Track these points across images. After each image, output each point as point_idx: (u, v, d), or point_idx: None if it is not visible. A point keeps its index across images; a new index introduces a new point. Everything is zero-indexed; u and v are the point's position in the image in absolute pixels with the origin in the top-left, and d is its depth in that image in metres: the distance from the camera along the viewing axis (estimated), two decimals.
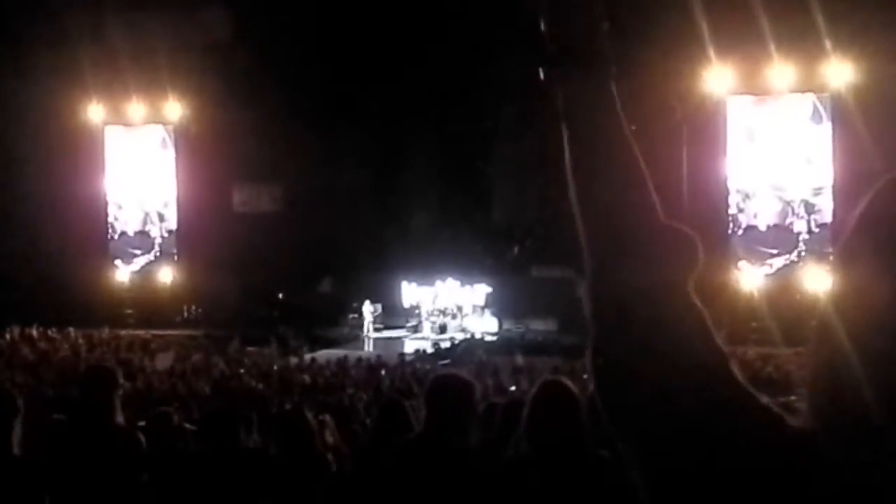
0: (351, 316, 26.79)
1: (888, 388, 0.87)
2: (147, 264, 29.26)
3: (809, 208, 23.95)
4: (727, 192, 24.44)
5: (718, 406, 0.96)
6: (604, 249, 1.09)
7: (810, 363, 0.96)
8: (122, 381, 5.16)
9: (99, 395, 4.95)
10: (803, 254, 23.46)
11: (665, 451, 0.97)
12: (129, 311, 27.38)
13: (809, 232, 23.73)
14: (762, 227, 24.29)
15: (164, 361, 18.85)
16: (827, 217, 23.62)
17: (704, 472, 0.95)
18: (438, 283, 26.78)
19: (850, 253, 0.95)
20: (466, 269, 26.56)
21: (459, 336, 25.26)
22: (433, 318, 26.51)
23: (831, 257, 0.98)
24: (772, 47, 22.36)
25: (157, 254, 29.33)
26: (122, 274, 29.18)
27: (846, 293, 0.94)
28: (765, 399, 0.98)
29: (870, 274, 0.92)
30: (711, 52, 22.60)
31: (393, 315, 27.27)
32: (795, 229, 24.01)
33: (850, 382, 0.90)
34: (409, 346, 24.52)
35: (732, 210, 24.51)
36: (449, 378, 4.68)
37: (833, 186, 23.48)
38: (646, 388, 0.99)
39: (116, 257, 29.38)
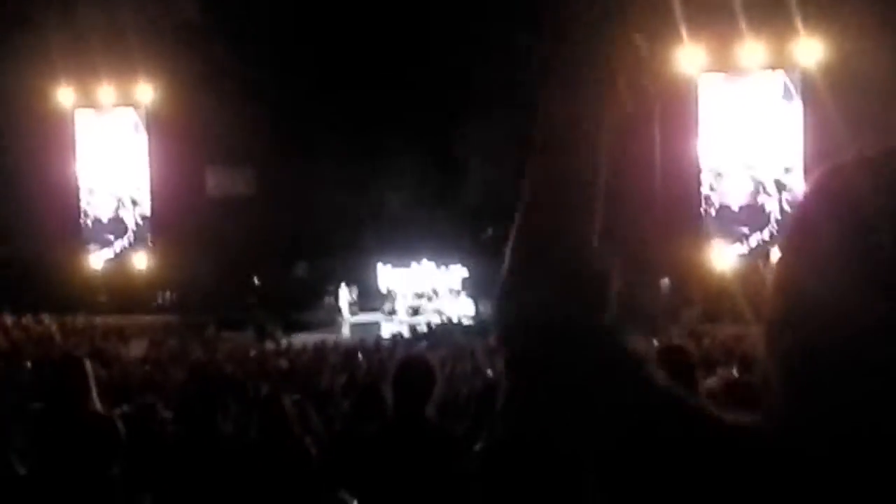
0: (327, 300, 26.77)
1: (803, 385, 0.90)
2: (121, 250, 29.06)
3: (780, 187, 24.14)
4: (699, 172, 24.59)
5: (643, 416, 0.97)
6: (522, 269, 1.10)
7: (762, 335, 0.98)
8: (91, 369, 5.17)
9: (72, 383, 4.96)
10: (775, 233, 23.67)
11: (594, 459, 0.99)
12: (104, 298, 27.21)
13: (781, 211, 23.93)
14: (734, 207, 24.48)
15: (138, 348, 18.78)
16: (797, 196, 23.80)
17: (635, 481, 0.96)
18: (414, 265, 26.81)
19: (789, 234, 0.97)
20: (442, 251, 26.60)
21: (436, 319, 25.31)
22: (409, 302, 26.55)
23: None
24: (743, 25, 22.44)
25: (131, 239, 29.13)
26: (96, 260, 28.98)
27: (784, 272, 0.96)
28: (694, 399, 0.99)
29: (794, 267, 0.95)
30: (683, 31, 22.66)
31: (369, 298, 27.28)
32: (767, 208, 24.21)
33: (787, 357, 0.92)
34: (386, 330, 24.56)
35: (705, 189, 24.66)
36: (410, 360, 4.75)
37: (804, 165, 23.67)
38: (563, 409, 1.02)
39: (90, 243, 29.16)
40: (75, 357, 5.26)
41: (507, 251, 1.13)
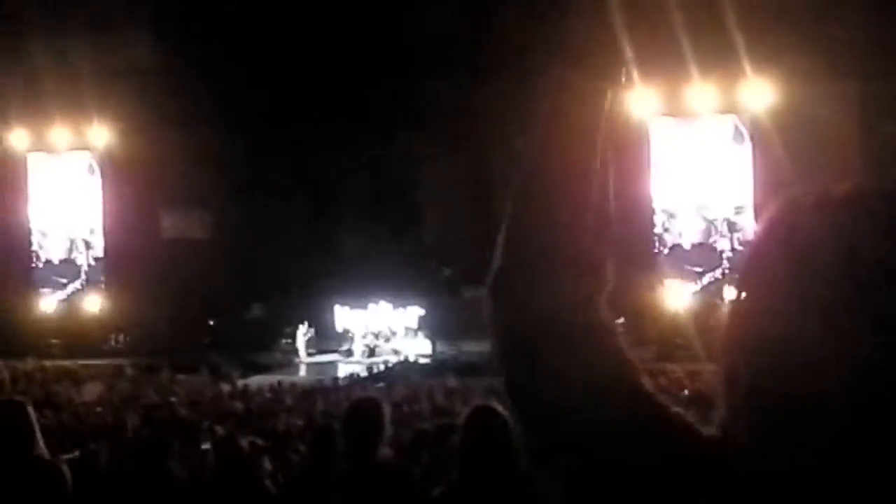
0: (284, 341, 26.58)
1: (770, 405, 0.92)
2: (73, 292, 28.65)
3: (732, 227, 24.52)
4: (652, 212, 24.91)
5: (627, 419, 0.99)
6: (516, 263, 1.09)
7: (717, 373, 1.00)
8: (34, 414, 5.09)
9: (15, 428, 4.88)
10: (727, 271, 23.98)
11: (579, 467, 1.01)
12: (55, 341, 26.75)
13: (732, 250, 24.27)
14: (687, 246, 24.80)
15: (91, 392, 18.47)
16: (748, 235, 24.19)
17: (619, 485, 0.98)
18: (371, 305, 26.74)
19: (742, 275, 0.99)
20: (398, 291, 26.58)
21: (393, 359, 25.23)
22: (365, 341, 26.46)
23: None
24: (693, 69, 22.87)
25: (84, 282, 28.75)
26: (48, 303, 28.52)
27: (738, 309, 0.98)
28: (676, 409, 1.02)
29: (758, 292, 0.96)
30: (634, 74, 23.02)
31: (326, 339, 27.13)
32: (719, 248, 24.55)
33: (743, 394, 0.94)
34: (343, 370, 24.41)
35: (658, 229, 24.97)
36: (360, 402, 4.76)
37: (754, 205, 24.07)
38: (553, 405, 1.03)
39: (41, 286, 28.72)
40: (18, 402, 5.15)
41: (499, 246, 1.12)
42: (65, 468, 5.04)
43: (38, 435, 4.91)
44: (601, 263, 1.13)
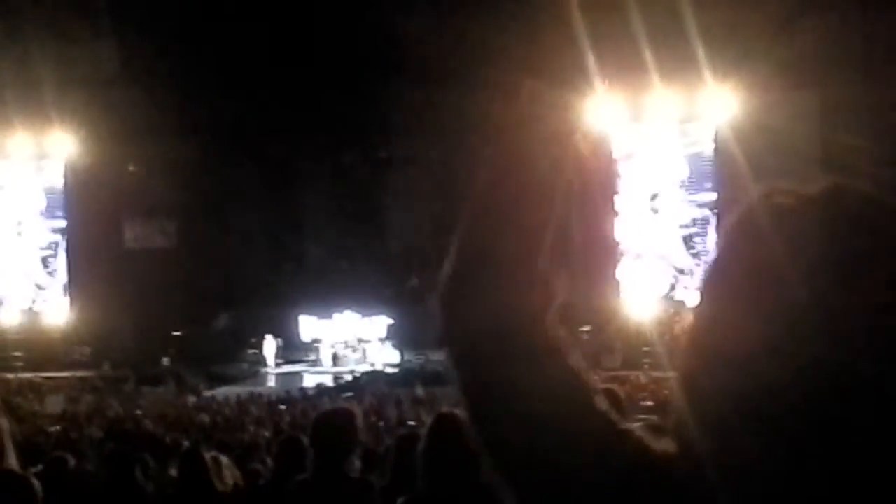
0: (250, 352, 26.44)
1: (720, 421, 0.91)
2: (35, 303, 28.27)
3: (695, 235, 24.73)
4: (615, 220, 25.06)
5: (579, 435, 0.99)
6: (469, 270, 1.09)
7: (676, 380, 0.98)
8: (6, 426, 5.01)
9: None
10: (691, 279, 24.19)
11: (533, 486, 1.01)
12: (18, 354, 26.39)
13: (695, 257, 24.46)
14: (650, 254, 24.97)
15: (55, 405, 18.29)
16: (711, 243, 24.43)
17: (572, 502, 0.99)
18: (337, 315, 26.68)
19: (704, 283, 0.97)
20: (366, 300, 26.54)
21: (361, 368, 25.18)
22: (332, 351, 26.38)
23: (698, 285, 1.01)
24: (654, 76, 23.05)
25: (47, 292, 28.39)
26: (9, 314, 28.11)
27: (701, 315, 0.96)
28: (627, 425, 1.02)
29: (717, 306, 0.94)
30: (597, 82, 23.17)
31: (293, 349, 27.02)
32: (682, 256, 24.74)
33: (702, 403, 0.93)
34: (310, 381, 24.33)
35: (622, 237, 25.12)
36: (329, 414, 4.76)
37: (716, 215, 24.30)
38: (506, 416, 1.02)
39: (2, 299, 28.33)
40: None
41: (452, 252, 1.11)
42: (35, 481, 5.00)
43: (10, 447, 4.85)
44: (552, 277, 1.11)
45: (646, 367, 20.06)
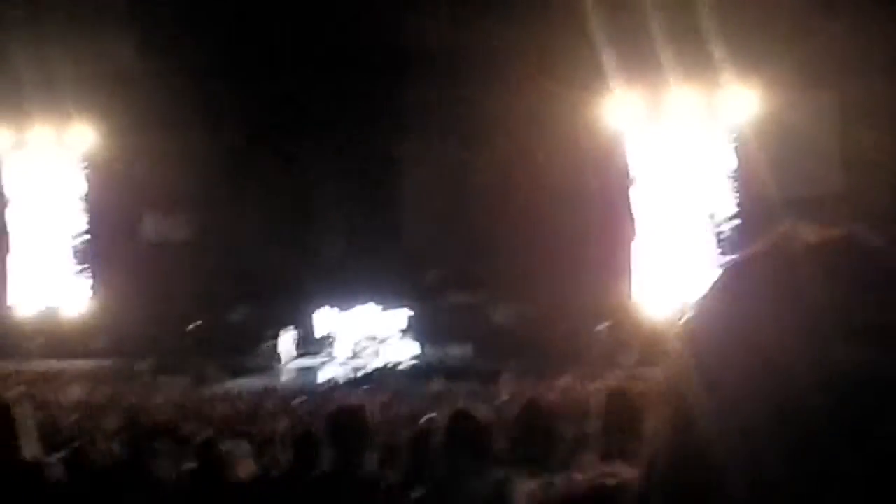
0: (267, 344, 26.51)
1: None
2: (55, 294, 28.51)
3: (714, 235, 24.63)
4: (633, 220, 24.98)
5: None
6: None
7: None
8: (20, 415, 5.05)
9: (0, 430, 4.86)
10: (706, 276, 24.08)
11: None
12: (37, 342, 26.64)
13: (714, 258, 24.37)
14: (667, 254, 24.89)
15: (74, 393, 18.43)
16: (731, 243, 24.33)
17: None
18: (355, 308, 26.70)
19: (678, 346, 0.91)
20: (383, 294, 26.54)
21: (378, 362, 25.21)
22: (350, 345, 26.41)
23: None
24: (674, 76, 22.96)
25: (67, 283, 28.61)
26: (29, 304, 28.37)
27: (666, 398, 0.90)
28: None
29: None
30: (614, 83, 23.09)
31: (310, 343, 27.07)
32: (700, 258, 24.64)
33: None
34: (328, 374, 24.39)
35: (639, 237, 25.04)
36: (344, 410, 4.80)
37: (740, 216, 24.20)
38: None
39: (22, 287, 28.57)
40: (1, 404, 5.10)
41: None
42: (49, 470, 5.05)
43: (28, 435, 4.89)
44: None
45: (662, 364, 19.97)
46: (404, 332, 26.43)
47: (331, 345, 26.66)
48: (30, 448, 4.96)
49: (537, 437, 4.61)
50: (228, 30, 25.67)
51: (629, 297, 24.36)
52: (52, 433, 10.99)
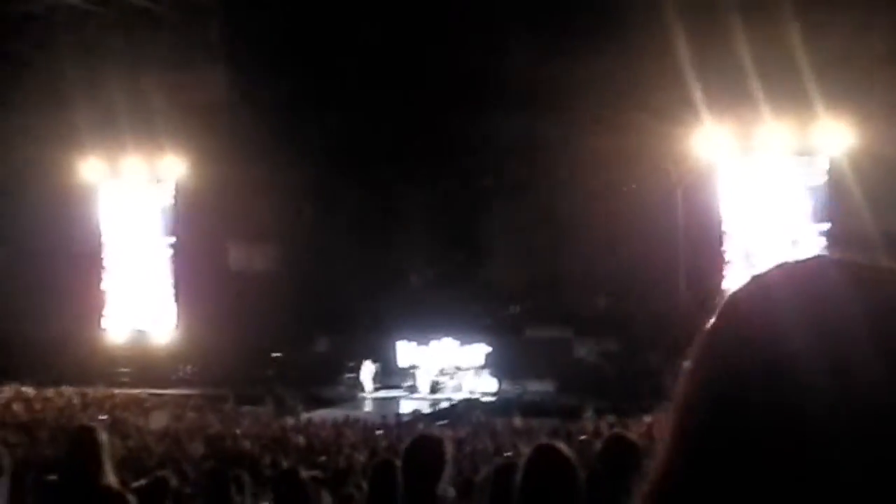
0: (347, 376, 26.63)
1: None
2: (143, 322, 29.15)
3: None
4: (723, 253, 24.47)
5: None
6: None
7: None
8: (104, 440, 5.05)
9: (85, 455, 4.88)
10: None
11: None
12: (125, 370, 27.22)
13: None
14: None
15: (158, 421, 18.70)
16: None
17: None
18: (435, 342, 26.66)
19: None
20: (464, 328, 26.46)
21: (457, 396, 25.08)
22: (429, 378, 26.34)
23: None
24: (765, 109, 22.58)
25: (154, 312, 29.24)
26: (118, 332, 29.06)
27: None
28: None
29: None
30: (705, 115, 22.81)
31: (390, 375, 27.10)
32: None
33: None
34: (407, 407, 24.35)
35: (730, 269, 24.48)
36: (421, 441, 4.70)
37: (829, 248, 23.54)
38: None
39: (112, 315, 29.28)
40: (88, 427, 5.10)
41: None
42: (131, 497, 5.03)
43: (107, 462, 4.90)
44: None
45: None
46: (482, 366, 26.29)
47: (410, 377, 26.66)
48: (110, 475, 4.96)
49: (622, 475, 4.44)
50: (316, 64, 26.08)
51: None
52: (137, 460, 11.13)
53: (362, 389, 26.28)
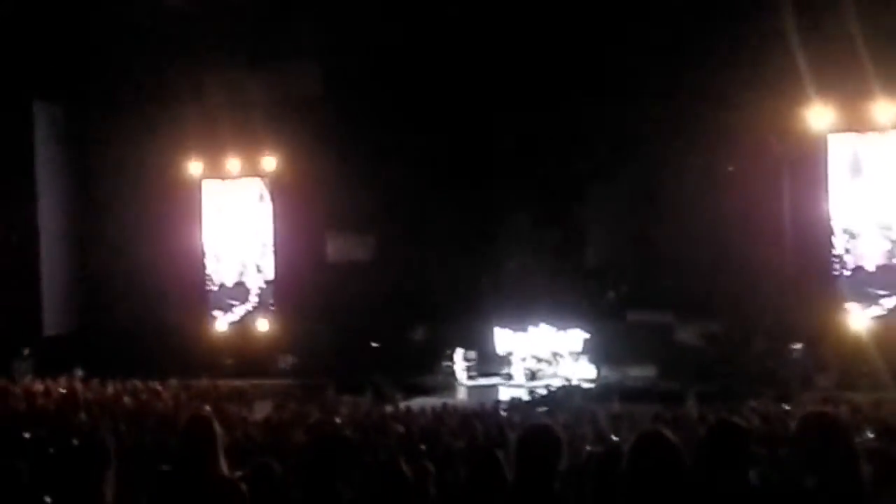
0: (445, 364, 26.71)
1: None
2: (245, 314, 29.78)
3: None
4: (831, 232, 23.64)
5: None
6: None
7: None
8: (218, 429, 5.09)
9: (200, 444, 4.91)
10: None
11: None
12: (228, 361, 27.85)
13: None
14: (870, 268, 23.41)
15: (261, 411, 19.03)
16: None
17: None
18: (532, 329, 26.53)
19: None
20: (561, 314, 26.25)
21: (556, 383, 24.91)
22: (527, 365, 26.22)
23: None
24: (874, 84, 21.75)
25: (255, 304, 29.84)
26: (221, 324, 29.76)
27: None
28: None
29: None
30: (811, 90, 22.07)
31: (487, 362, 27.10)
32: None
33: None
34: (505, 394, 24.30)
35: (838, 250, 23.67)
36: (536, 430, 4.60)
37: None
38: None
39: (215, 308, 29.99)
40: (204, 417, 5.12)
41: None
42: (243, 486, 5.06)
43: (221, 451, 4.93)
44: None
45: (864, 388, 18.82)
46: (580, 353, 26.03)
47: (508, 364, 26.59)
48: (220, 465, 4.98)
49: (730, 462, 4.28)
50: (413, 56, 26.09)
51: (828, 315, 22.97)
52: (242, 449, 11.31)
53: (460, 377, 26.33)
